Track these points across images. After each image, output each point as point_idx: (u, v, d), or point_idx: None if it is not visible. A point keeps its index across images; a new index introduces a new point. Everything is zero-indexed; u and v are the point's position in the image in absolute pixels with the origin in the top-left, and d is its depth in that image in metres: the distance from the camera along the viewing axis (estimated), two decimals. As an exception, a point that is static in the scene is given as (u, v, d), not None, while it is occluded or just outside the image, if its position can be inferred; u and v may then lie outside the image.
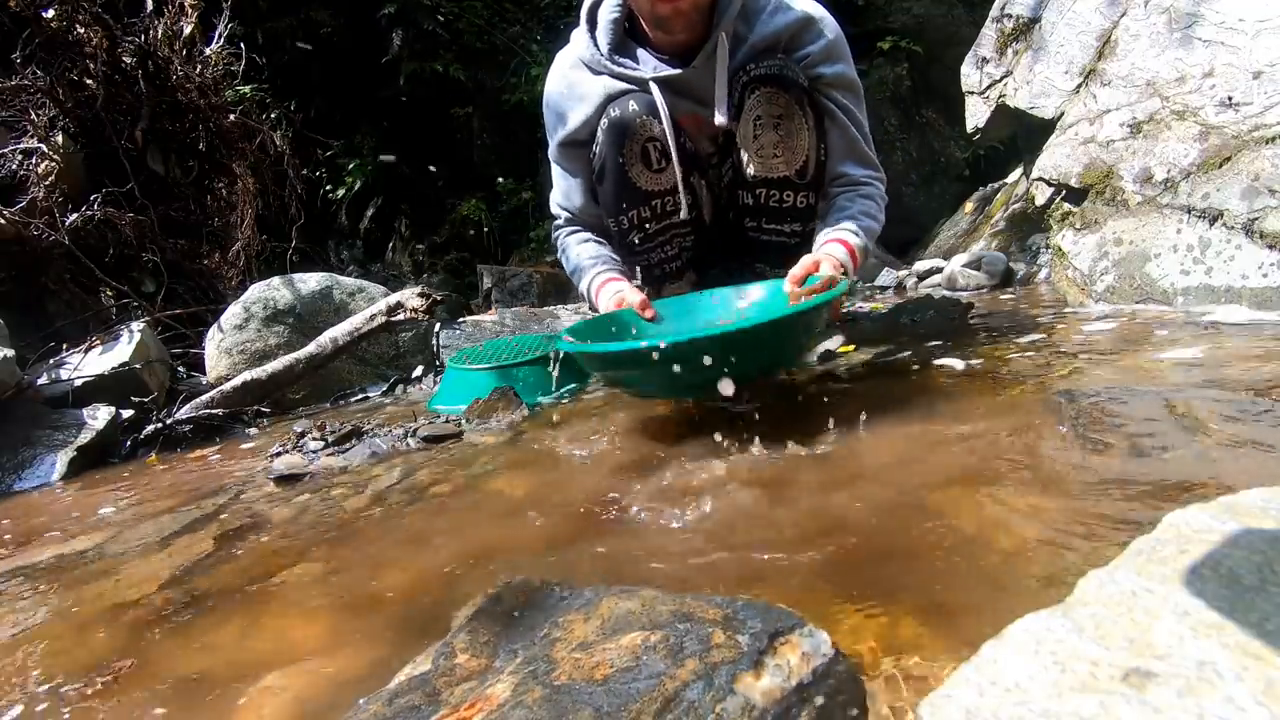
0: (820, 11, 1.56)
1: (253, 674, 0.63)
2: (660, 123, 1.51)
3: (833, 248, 1.45)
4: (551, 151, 1.71)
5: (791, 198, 1.57)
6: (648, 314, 1.41)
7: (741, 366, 1.09)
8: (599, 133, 1.56)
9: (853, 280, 1.46)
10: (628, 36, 1.59)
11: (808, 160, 1.53)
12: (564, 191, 1.73)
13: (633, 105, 1.51)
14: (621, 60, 1.56)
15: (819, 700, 0.44)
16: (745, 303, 1.44)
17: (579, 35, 1.61)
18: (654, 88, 1.52)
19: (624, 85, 1.55)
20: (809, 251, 1.71)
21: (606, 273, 1.61)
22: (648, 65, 1.56)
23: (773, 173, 1.54)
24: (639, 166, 1.54)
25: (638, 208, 1.59)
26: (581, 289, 1.67)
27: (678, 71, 1.52)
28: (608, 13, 1.57)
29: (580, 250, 1.69)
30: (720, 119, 1.51)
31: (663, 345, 1.01)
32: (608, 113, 1.53)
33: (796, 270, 1.33)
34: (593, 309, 1.67)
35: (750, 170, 1.55)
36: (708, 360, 1.04)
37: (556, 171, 1.73)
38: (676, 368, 1.06)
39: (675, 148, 1.52)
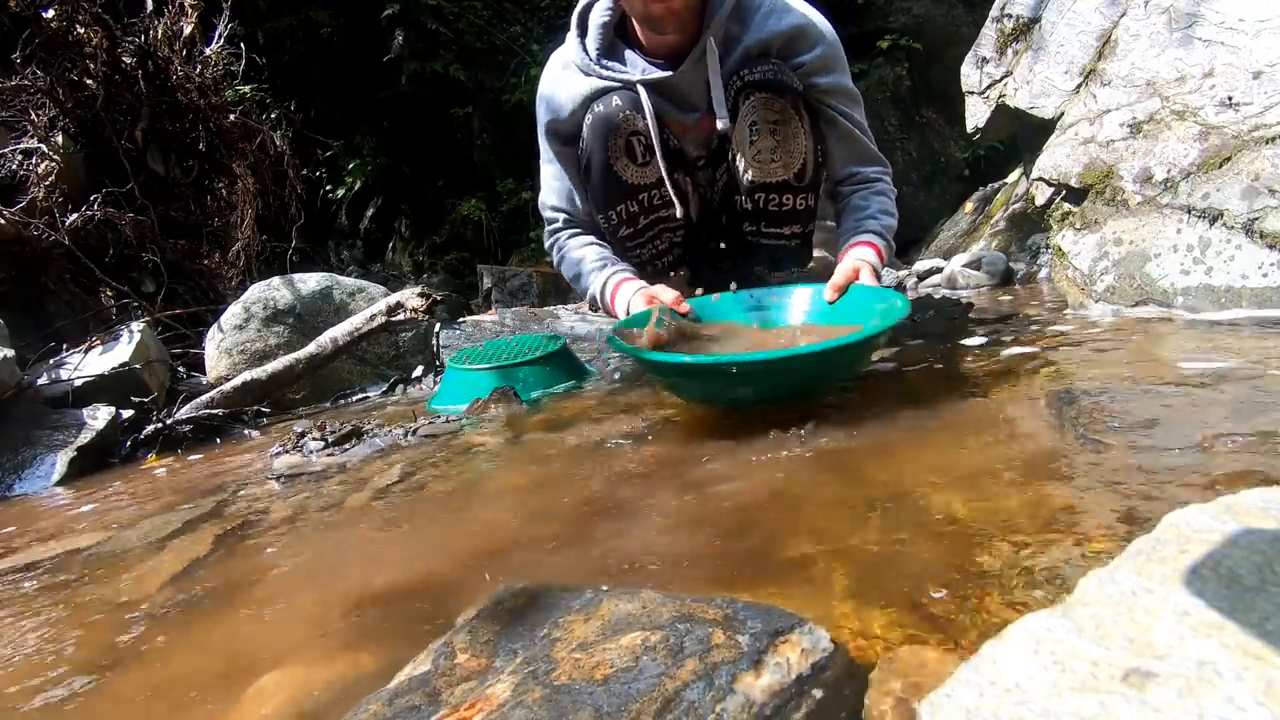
0: (815, 17, 1.55)
1: (252, 673, 0.63)
2: (644, 117, 1.51)
3: (863, 252, 1.44)
4: (542, 152, 1.70)
5: (790, 201, 1.57)
6: (683, 308, 1.36)
7: (805, 384, 1.13)
8: (584, 129, 1.56)
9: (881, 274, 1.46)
10: (617, 38, 1.59)
11: (805, 163, 1.54)
12: (556, 192, 1.71)
13: (616, 101, 1.52)
14: (609, 64, 1.56)
15: (817, 694, 0.44)
16: (789, 308, 1.40)
17: (570, 39, 1.61)
18: (640, 89, 1.52)
19: (609, 84, 1.55)
20: (809, 253, 1.71)
21: (621, 272, 1.58)
22: (635, 68, 1.56)
23: (771, 177, 1.54)
24: (624, 160, 1.54)
25: (625, 202, 1.59)
26: (591, 290, 1.63)
27: (665, 74, 1.53)
28: (598, 16, 1.58)
29: (583, 252, 1.67)
30: (721, 123, 1.51)
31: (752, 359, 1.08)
32: (592, 109, 1.54)
33: (837, 279, 1.33)
34: (600, 309, 1.65)
35: (748, 175, 1.55)
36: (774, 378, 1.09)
37: (548, 172, 1.71)
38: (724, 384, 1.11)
39: (659, 142, 1.53)
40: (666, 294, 1.39)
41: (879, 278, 1.39)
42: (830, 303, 1.32)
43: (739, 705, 0.42)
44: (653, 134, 1.52)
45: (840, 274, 1.33)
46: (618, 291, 1.55)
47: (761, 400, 1.15)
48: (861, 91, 1.65)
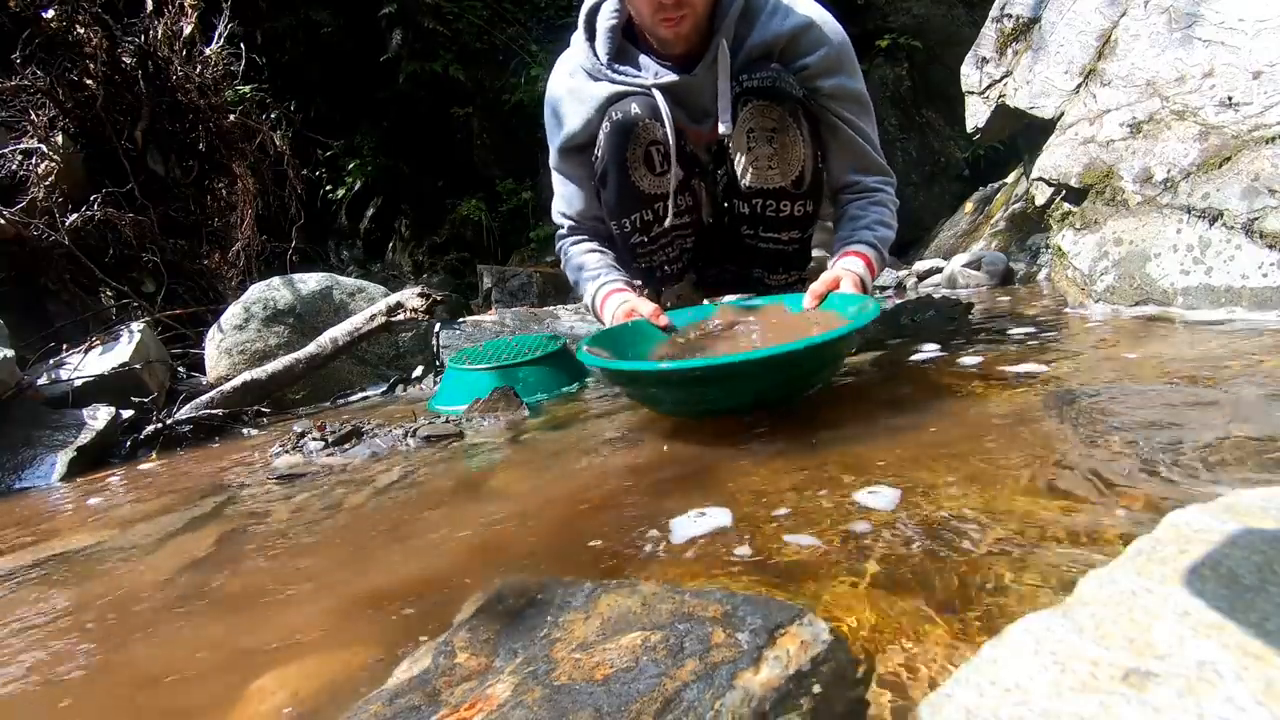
0: (822, 16, 1.52)
1: (252, 672, 0.63)
2: (663, 125, 1.50)
3: (851, 262, 1.44)
4: (552, 158, 1.69)
5: (789, 207, 1.56)
6: (661, 322, 1.39)
7: (774, 390, 1.11)
8: (601, 136, 1.54)
9: (872, 293, 1.47)
10: (626, 41, 1.58)
11: (804, 170, 1.52)
12: (565, 198, 1.71)
13: (635, 108, 1.49)
14: (621, 69, 1.55)
15: (817, 688, 0.44)
16: (764, 319, 1.41)
17: (578, 41, 1.59)
18: (658, 96, 1.50)
19: (623, 88, 1.54)
20: (808, 257, 1.71)
21: (611, 283, 1.60)
22: (648, 72, 1.54)
23: (768, 184, 1.53)
24: (642, 170, 1.53)
25: (640, 210, 1.58)
26: (585, 299, 1.65)
27: (679, 78, 1.51)
28: (606, 19, 1.55)
29: (583, 259, 1.67)
30: (725, 129, 1.50)
31: (699, 366, 1.05)
32: (609, 115, 1.51)
33: (817, 287, 1.34)
34: (596, 318, 1.66)
35: (745, 181, 1.54)
36: (742, 382, 1.07)
37: (557, 178, 1.71)
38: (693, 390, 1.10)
39: (676, 151, 1.51)
40: (645, 308, 1.42)
41: (865, 288, 1.39)
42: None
43: (738, 700, 0.42)
44: (671, 141, 1.50)
45: (821, 283, 1.35)
46: (605, 302, 1.57)
47: (736, 406, 1.14)
48: (862, 92, 1.63)
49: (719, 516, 0.78)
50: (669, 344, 1.37)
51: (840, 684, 0.45)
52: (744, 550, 0.70)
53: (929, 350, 1.46)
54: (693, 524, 0.77)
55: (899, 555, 0.64)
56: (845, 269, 1.40)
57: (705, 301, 1.56)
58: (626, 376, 1.20)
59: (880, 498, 0.77)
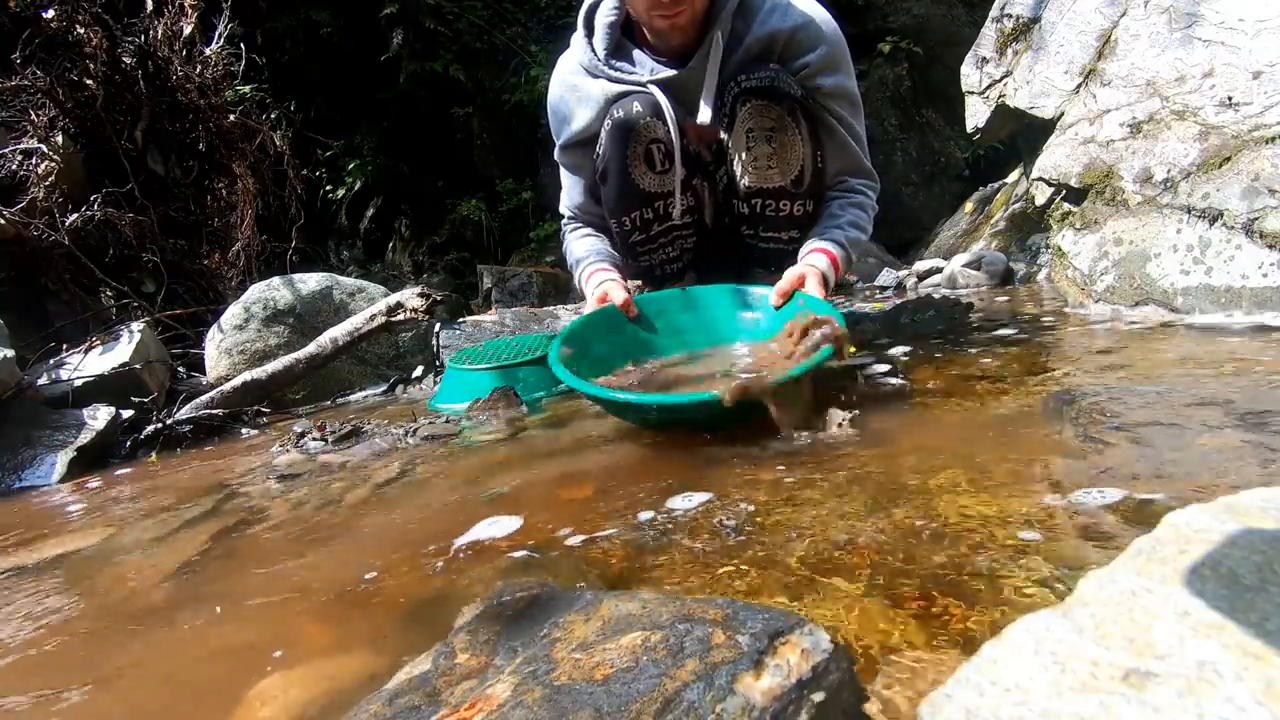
0: (820, 14, 1.53)
1: (253, 673, 0.63)
2: (664, 124, 1.50)
3: (817, 258, 1.46)
4: (556, 153, 1.73)
5: (788, 206, 1.57)
6: (631, 313, 1.43)
7: (740, 415, 1.11)
8: (602, 134, 1.55)
9: (836, 283, 1.49)
10: (624, 37, 1.59)
11: (803, 169, 1.52)
12: (567, 190, 1.76)
13: (636, 107, 1.50)
14: (618, 65, 1.56)
15: (818, 697, 0.44)
16: (734, 314, 1.44)
17: (577, 40, 1.61)
18: (655, 89, 1.51)
19: (624, 87, 1.55)
20: None
21: (597, 263, 1.63)
22: (644, 68, 1.56)
23: (768, 183, 1.53)
24: (642, 168, 1.54)
25: (640, 209, 1.59)
26: (575, 281, 1.70)
27: (674, 73, 1.52)
28: (604, 16, 1.57)
29: (579, 245, 1.72)
30: (705, 118, 1.50)
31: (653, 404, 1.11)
32: (611, 114, 1.52)
33: (782, 284, 1.37)
34: (582, 296, 1.70)
35: (745, 181, 1.54)
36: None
37: (561, 171, 1.76)
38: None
39: (679, 148, 1.52)
40: (618, 295, 1.45)
41: (827, 285, 1.41)
42: (776, 308, 1.36)
43: (739, 705, 0.42)
44: (674, 139, 1.51)
45: (786, 280, 1.37)
46: (588, 281, 1.61)
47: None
48: (861, 92, 1.63)
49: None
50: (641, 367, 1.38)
51: (841, 693, 0.45)
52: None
53: (924, 349, 1.46)
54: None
55: (896, 555, 0.64)
56: (811, 265, 1.42)
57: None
58: (585, 394, 1.21)
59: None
